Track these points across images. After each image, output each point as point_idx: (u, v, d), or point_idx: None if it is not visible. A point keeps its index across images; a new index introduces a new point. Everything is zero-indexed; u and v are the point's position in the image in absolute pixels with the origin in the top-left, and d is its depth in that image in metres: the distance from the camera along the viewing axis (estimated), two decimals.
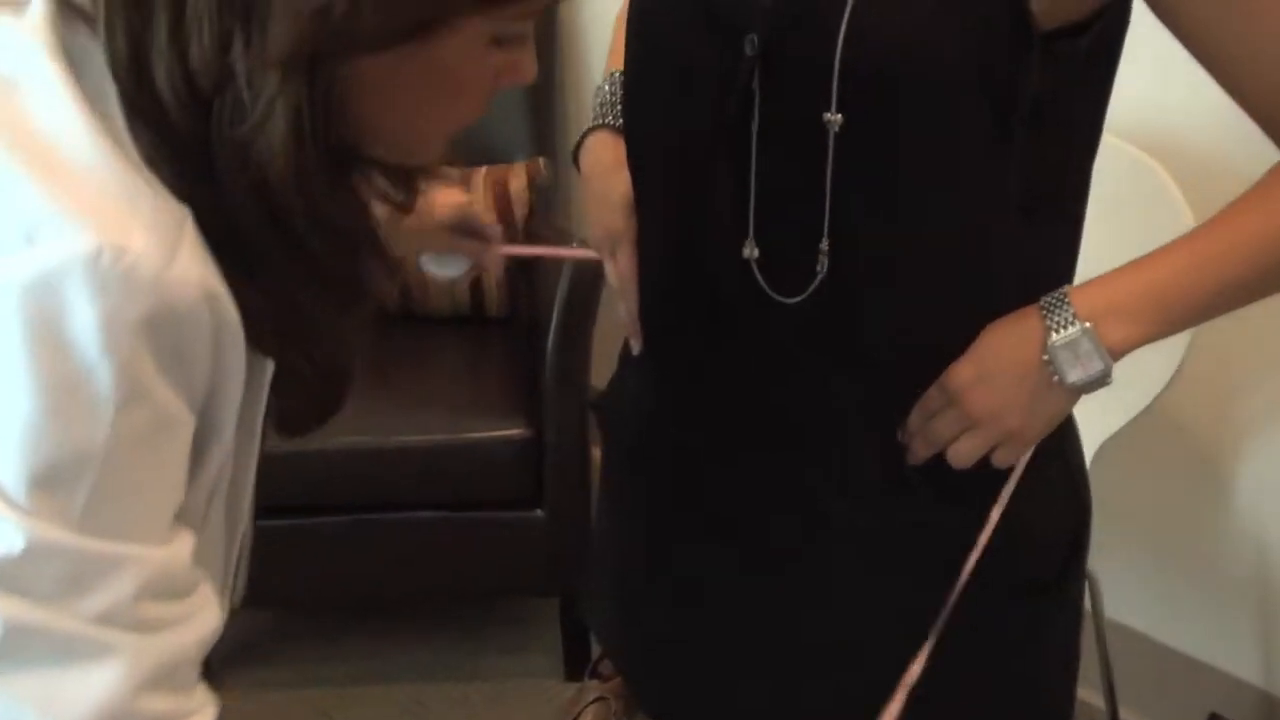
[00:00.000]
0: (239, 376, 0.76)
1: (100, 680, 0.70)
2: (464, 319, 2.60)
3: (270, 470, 0.95)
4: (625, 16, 1.14)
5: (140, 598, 0.72)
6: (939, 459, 1.05)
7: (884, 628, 1.13)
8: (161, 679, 0.73)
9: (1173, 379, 1.73)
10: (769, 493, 1.14)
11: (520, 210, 2.56)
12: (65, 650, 0.69)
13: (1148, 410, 1.76)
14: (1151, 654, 2.27)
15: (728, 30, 1.01)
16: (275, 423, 0.86)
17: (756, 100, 1.01)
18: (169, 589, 0.75)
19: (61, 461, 0.68)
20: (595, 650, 2.37)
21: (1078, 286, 1.01)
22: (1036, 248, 1.05)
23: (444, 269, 1.20)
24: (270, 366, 0.82)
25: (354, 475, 2.19)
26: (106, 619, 0.70)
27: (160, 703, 0.73)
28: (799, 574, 1.15)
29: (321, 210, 0.74)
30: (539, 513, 2.25)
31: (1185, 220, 1.73)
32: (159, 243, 0.68)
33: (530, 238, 2.56)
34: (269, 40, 0.67)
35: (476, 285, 2.55)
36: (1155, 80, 1.57)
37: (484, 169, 2.58)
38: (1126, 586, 2.26)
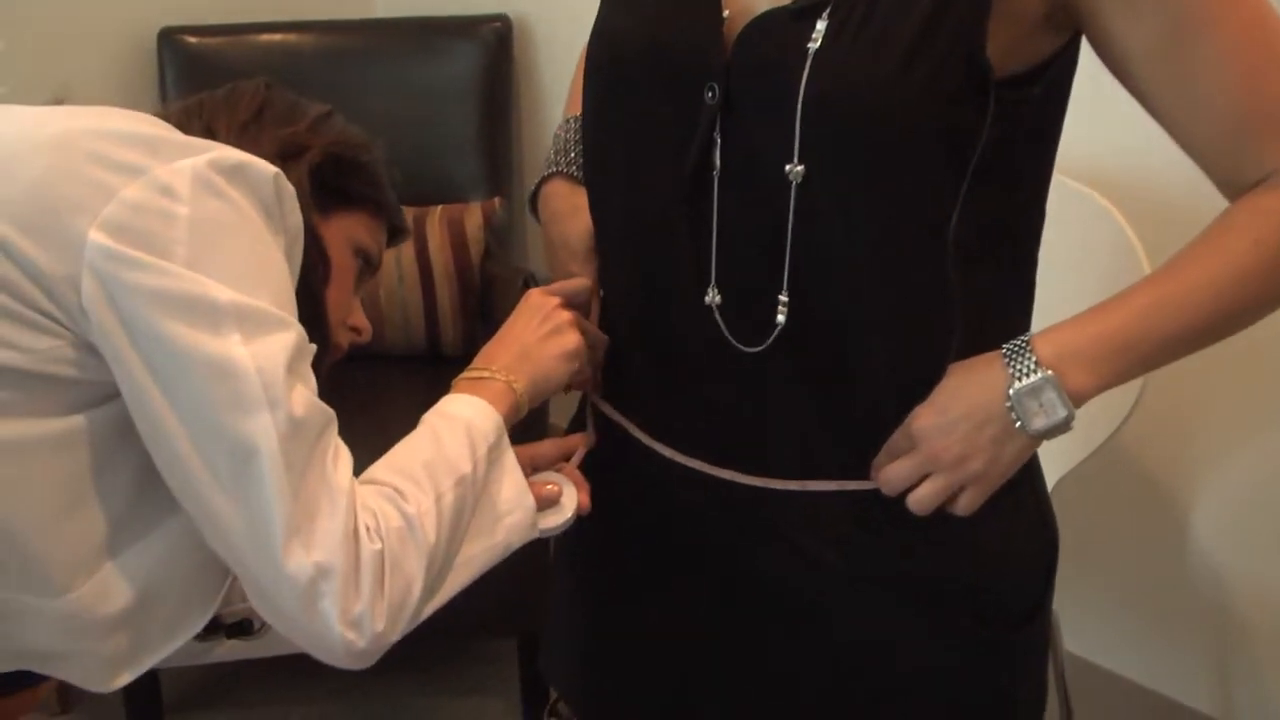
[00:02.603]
0: (298, 258, 1.04)
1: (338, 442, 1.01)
2: (420, 357, 2.58)
3: None
4: (584, 64, 1.14)
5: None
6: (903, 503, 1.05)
7: (860, 670, 1.12)
8: None
9: (1129, 414, 1.74)
10: (738, 539, 1.13)
11: (475, 250, 2.55)
12: (326, 426, 1.00)
13: (1105, 446, 1.77)
14: (1110, 687, 2.28)
15: (688, 79, 1.01)
16: None
17: (718, 149, 1.01)
18: None
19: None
20: (553, 692, 2.35)
21: (1039, 333, 1.01)
22: (990, 292, 1.06)
23: (554, 520, 1.16)
24: None
25: None
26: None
27: None
28: (772, 619, 1.14)
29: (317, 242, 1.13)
30: None
31: (1140, 263, 1.74)
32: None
33: (485, 278, 2.56)
34: (265, 148, 1.10)
35: (433, 321, 2.54)
36: (1113, 125, 1.58)
37: (439, 208, 2.57)
38: (1085, 620, 2.26)
